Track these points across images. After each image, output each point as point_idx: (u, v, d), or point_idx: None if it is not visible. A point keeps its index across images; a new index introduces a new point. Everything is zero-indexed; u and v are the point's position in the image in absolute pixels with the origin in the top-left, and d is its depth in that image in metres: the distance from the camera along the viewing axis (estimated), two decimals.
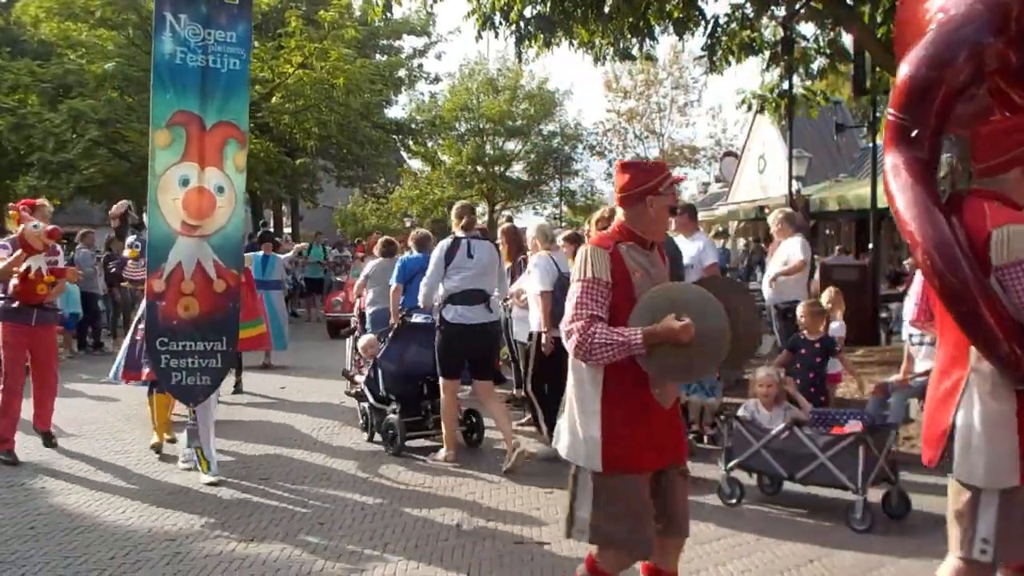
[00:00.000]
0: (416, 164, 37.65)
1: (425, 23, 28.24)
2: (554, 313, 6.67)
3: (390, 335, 7.49)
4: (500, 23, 10.19)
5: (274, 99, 21.85)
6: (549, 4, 9.98)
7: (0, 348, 6.80)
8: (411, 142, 30.11)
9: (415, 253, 7.99)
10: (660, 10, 10.26)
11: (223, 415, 7.98)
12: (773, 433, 5.39)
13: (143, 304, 7.02)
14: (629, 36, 10.65)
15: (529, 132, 37.57)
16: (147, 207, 6.02)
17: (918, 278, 3.61)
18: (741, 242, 29.90)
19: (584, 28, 10.43)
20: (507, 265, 8.49)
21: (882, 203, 14.08)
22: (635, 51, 11.22)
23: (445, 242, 6.79)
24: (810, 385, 6.56)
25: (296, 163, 24.39)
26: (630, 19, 10.08)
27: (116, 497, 5.79)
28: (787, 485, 5.67)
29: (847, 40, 11.32)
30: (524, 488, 6.02)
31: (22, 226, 6.63)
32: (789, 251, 7.92)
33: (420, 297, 6.84)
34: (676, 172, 3.38)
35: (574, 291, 3.11)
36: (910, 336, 6.82)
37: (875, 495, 5.32)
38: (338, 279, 19.30)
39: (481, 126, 36.94)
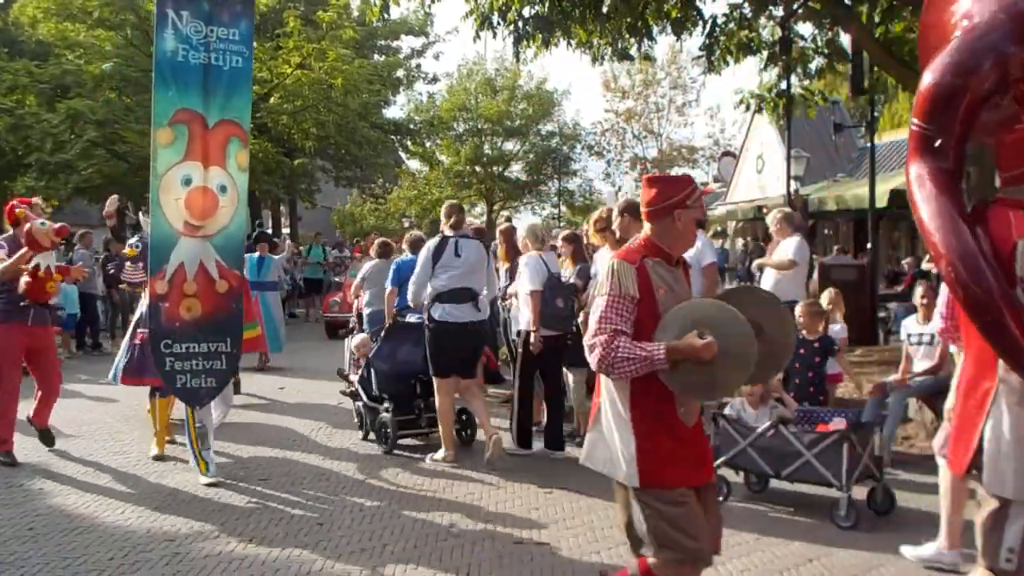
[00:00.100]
0: (414, 164, 37.67)
1: (423, 23, 28.24)
2: (543, 313, 6.73)
3: (382, 335, 7.55)
4: (498, 23, 10.17)
5: (272, 99, 21.83)
6: (547, 4, 9.97)
7: None
8: (409, 142, 30.09)
9: (409, 255, 8.01)
10: (658, 10, 10.26)
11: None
12: (759, 431, 5.43)
13: (142, 305, 7.03)
14: (627, 36, 10.64)
15: (527, 132, 37.54)
16: (145, 207, 6.00)
17: (944, 289, 3.61)
18: (740, 242, 29.92)
19: (582, 28, 10.42)
20: (505, 266, 8.52)
21: (880, 203, 14.13)
22: (633, 51, 11.22)
23: (433, 241, 6.86)
24: (809, 385, 6.57)
25: (294, 163, 24.38)
26: (628, 19, 10.07)
27: (115, 498, 5.79)
28: (773, 483, 5.72)
29: (845, 40, 11.32)
30: (523, 488, 6.02)
31: (28, 224, 6.62)
32: (785, 251, 7.91)
33: (409, 296, 6.90)
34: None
35: (599, 305, 3.09)
36: (908, 336, 6.84)
37: (861, 492, 5.37)
38: (336, 279, 19.30)
39: (479, 126, 36.91)
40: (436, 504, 5.66)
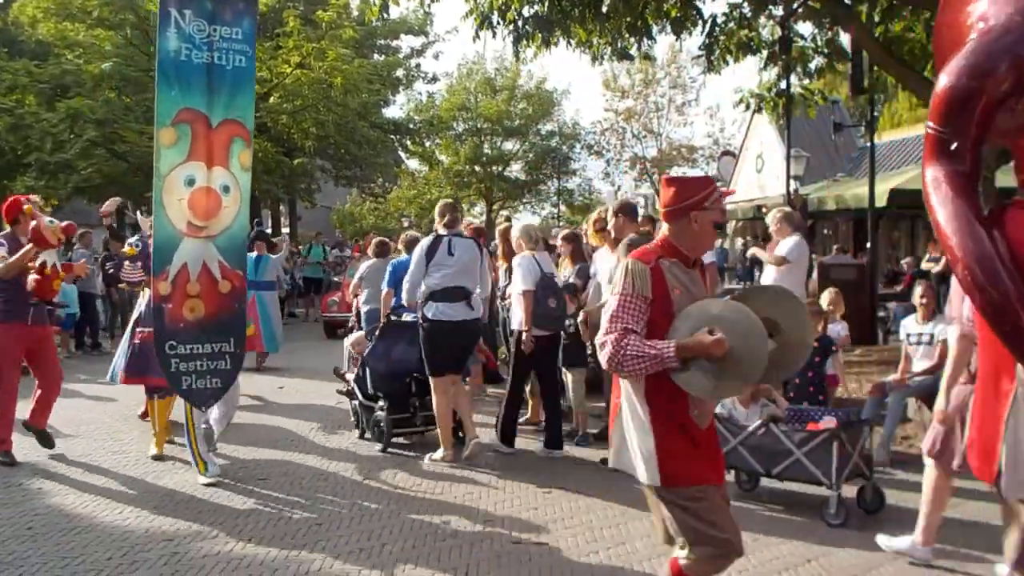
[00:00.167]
0: (414, 164, 37.68)
1: (423, 23, 28.26)
2: (535, 313, 6.75)
3: (376, 334, 7.58)
4: (498, 23, 10.18)
5: (272, 99, 21.84)
6: (547, 4, 9.96)
7: None
8: (409, 142, 30.09)
9: (405, 256, 8.02)
10: (658, 9, 10.26)
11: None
12: (750, 430, 5.45)
13: (140, 304, 7.02)
14: (627, 36, 10.65)
15: (527, 132, 37.57)
16: (145, 206, 5.98)
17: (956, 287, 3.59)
18: (739, 241, 29.94)
19: (582, 28, 10.42)
20: (505, 265, 8.52)
21: (880, 202, 14.13)
22: (633, 51, 11.22)
23: (426, 240, 6.90)
24: (809, 384, 6.57)
25: (294, 163, 24.39)
26: (628, 18, 10.07)
27: (113, 498, 5.79)
28: (764, 481, 5.74)
29: (845, 39, 11.33)
30: (522, 488, 6.02)
31: (35, 221, 6.61)
32: (781, 249, 7.90)
33: (403, 294, 6.92)
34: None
35: (612, 304, 3.09)
36: (907, 336, 6.84)
37: (852, 491, 5.40)
38: (335, 279, 19.30)
39: (479, 126, 36.94)
40: (435, 504, 5.66)
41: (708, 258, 7.58)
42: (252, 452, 7.07)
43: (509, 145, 38.31)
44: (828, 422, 5.34)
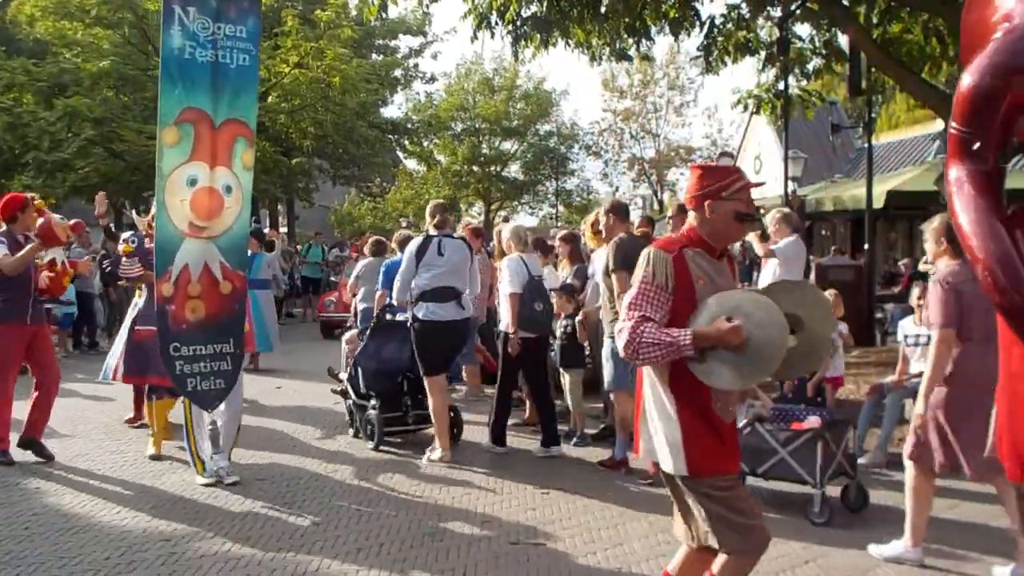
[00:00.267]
0: (412, 164, 37.66)
1: (421, 23, 28.25)
2: (521, 315, 6.78)
3: (367, 333, 7.63)
4: (496, 23, 10.18)
5: (270, 98, 21.83)
6: (545, 4, 9.97)
7: None
8: (407, 142, 30.08)
9: (399, 255, 8.03)
10: (656, 10, 10.27)
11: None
12: None
13: (138, 303, 7.01)
14: (625, 36, 10.66)
15: (525, 132, 37.57)
16: (143, 205, 5.94)
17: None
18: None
19: (580, 28, 10.43)
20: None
21: (877, 203, 14.15)
22: (632, 51, 11.23)
23: (416, 240, 6.95)
24: (807, 385, 6.57)
25: (292, 162, 24.37)
26: (626, 19, 10.08)
27: (111, 497, 5.78)
28: (749, 480, 5.73)
29: (843, 41, 11.34)
30: (520, 488, 6.02)
31: (43, 218, 6.59)
32: (783, 250, 7.91)
33: (394, 293, 6.98)
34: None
35: (631, 292, 3.08)
36: (905, 337, 6.84)
37: (836, 490, 5.45)
38: (333, 279, 19.28)
39: (477, 126, 36.93)
40: (432, 505, 5.66)
41: None
42: (250, 453, 7.06)
43: (507, 145, 38.31)
44: (812, 422, 5.37)
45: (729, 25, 10.93)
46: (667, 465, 3.12)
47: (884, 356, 10.24)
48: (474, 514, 5.46)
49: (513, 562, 4.62)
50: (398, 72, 28.55)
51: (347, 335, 8.42)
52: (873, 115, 15.81)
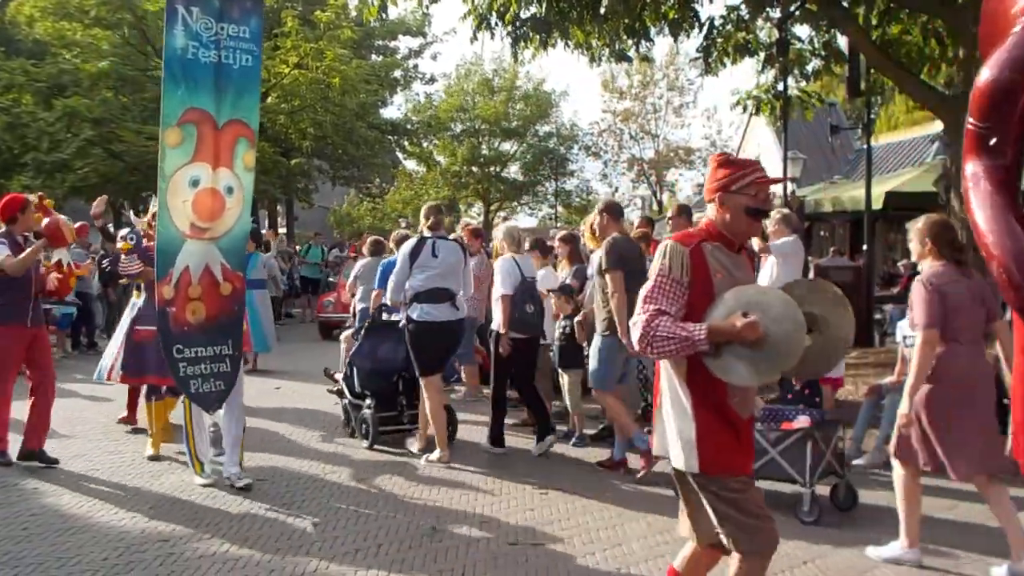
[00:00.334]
0: (411, 165, 37.67)
1: (421, 24, 28.29)
2: (512, 316, 6.83)
3: (362, 333, 7.67)
4: (496, 24, 10.19)
5: (270, 99, 21.84)
6: (544, 5, 9.97)
7: None
8: (406, 142, 30.10)
9: (397, 254, 8.05)
10: (655, 11, 10.28)
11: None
12: None
13: (137, 303, 7.00)
14: (625, 37, 10.66)
15: (525, 133, 37.58)
16: (142, 205, 5.92)
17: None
18: None
19: (580, 29, 10.44)
20: None
21: (876, 204, 14.15)
22: (631, 52, 11.24)
23: (411, 241, 6.98)
24: (805, 387, 6.56)
25: (291, 163, 24.38)
26: (626, 20, 10.08)
27: (109, 498, 5.78)
28: None
29: (842, 42, 11.35)
30: (519, 489, 6.02)
31: (47, 218, 6.57)
32: (780, 247, 7.93)
33: (387, 294, 7.03)
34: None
35: (648, 285, 3.04)
36: (904, 338, 6.83)
37: (825, 489, 5.48)
38: (331, 279, 19.29)
39: (477, 127, 36.94)
40: (431, 505, 5.66)
41: None
42: (248, 453, 7.01)
43: (507, 146, 38.33)
44: (802, 422, 5.38)
45: (728, 26, 10.95)
46: (678, 461, 3.07)
47: (883, 357, 10.25)
48: (473, 515, 5.46)
49: (512, 563, 4.62)
50: (398, 73, 28.58)
51: (344, 334, 8.46)
52: (872, 116, 15.81)
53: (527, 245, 8.27)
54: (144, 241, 6.63)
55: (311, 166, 26.88)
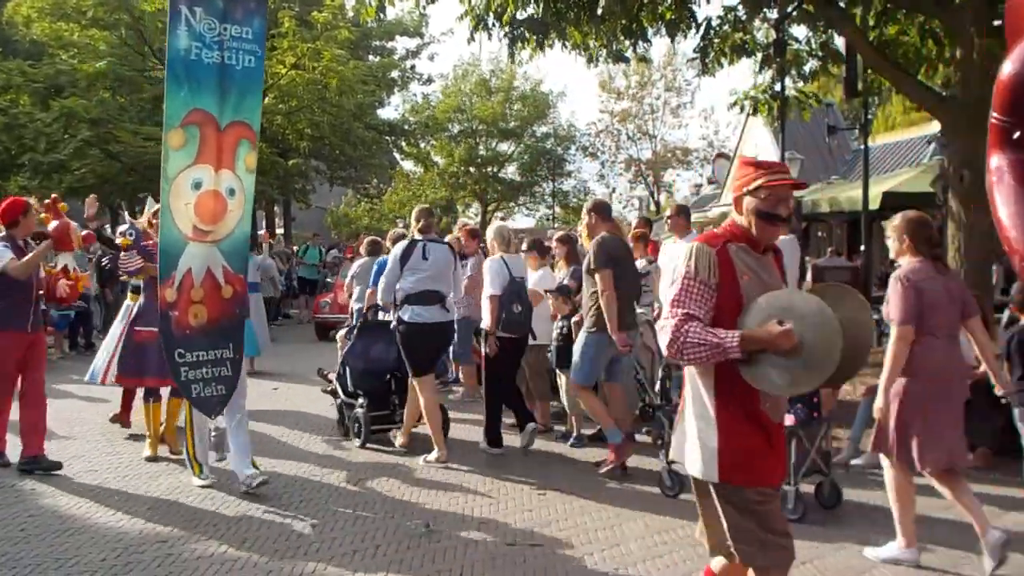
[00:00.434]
0: (408, 165, 37.66)
1: (418, 24, 28.28)
2: (499, 317, 6.91)
3: (354, 333, 7.72)
4: (493, 25, 10.19)
5: (267, 100, 21.80)
6: (542, 6, 9.97)
7: None
8: (404, 143, 30.10)
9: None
10: (652, 12, 10.29)
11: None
12: None
13: (130, 305, 6.99)
14: (622, 38, 10.67)
15: (522, 133, 37.61)
16: (140, 206, 5.90)
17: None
18: None
19: (577, 30, 10.44)
20: None
21: (873, 205, 14.17)
22: (628, 53, 11.24)
23: (402, 243, 7.04)
24: None
25: (289, 164, 24.35)
26: (623, 21, 10.09)
27: (107, 499, 5.77)
28: None
29: (839, 42, 11.36)
30: (517, 489, 6.03)
31: (55, 221, 6.54)
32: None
33: (378, 294, 7.10)
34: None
35: (675, 288, 2.96)
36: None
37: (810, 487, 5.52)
38: (328, 280, 19.28)
39: (474, 127, 36.95)
40: (429, 505, 5.66)
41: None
42: None
43: (504, 147, 38.36)
44: (786, 420, 5.38)
45: (726, 27, 10.95)
46: (695, 469, 3.02)
47: (880, 357, 10.21)
48: (470, 515, 5.46)
49: (510, 563, 4.62)
50: (395, 73, 28.54)
51: (340, 333, 8.49)
52: (869, 117, 15.82)
53: (525, 246, 8.31)
54: (144, 237, 6.63)
55: (308, 167, 26.86)
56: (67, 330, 13.37)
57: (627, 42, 10.80)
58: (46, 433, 6.67)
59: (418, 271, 6.77)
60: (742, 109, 13.20)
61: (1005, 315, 8.15)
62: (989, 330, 6.96)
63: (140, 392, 7.14)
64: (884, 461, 4.67)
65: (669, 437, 5.71)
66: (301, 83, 21.50)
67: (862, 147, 15.29)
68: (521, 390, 8.00)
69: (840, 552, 4.75)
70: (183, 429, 6.36)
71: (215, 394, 5.74)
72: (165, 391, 6.96)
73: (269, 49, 21.15)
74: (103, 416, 8.46)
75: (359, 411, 7.35)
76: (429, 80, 31.67)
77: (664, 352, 2.95)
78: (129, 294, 7.18)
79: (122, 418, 7.83)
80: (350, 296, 9.82)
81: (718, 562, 3.19)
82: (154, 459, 6.77)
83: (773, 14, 10.86)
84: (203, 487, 5.99)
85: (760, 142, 28.33)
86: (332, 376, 8.00)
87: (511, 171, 39.22)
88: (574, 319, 7.20)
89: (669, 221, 8.90)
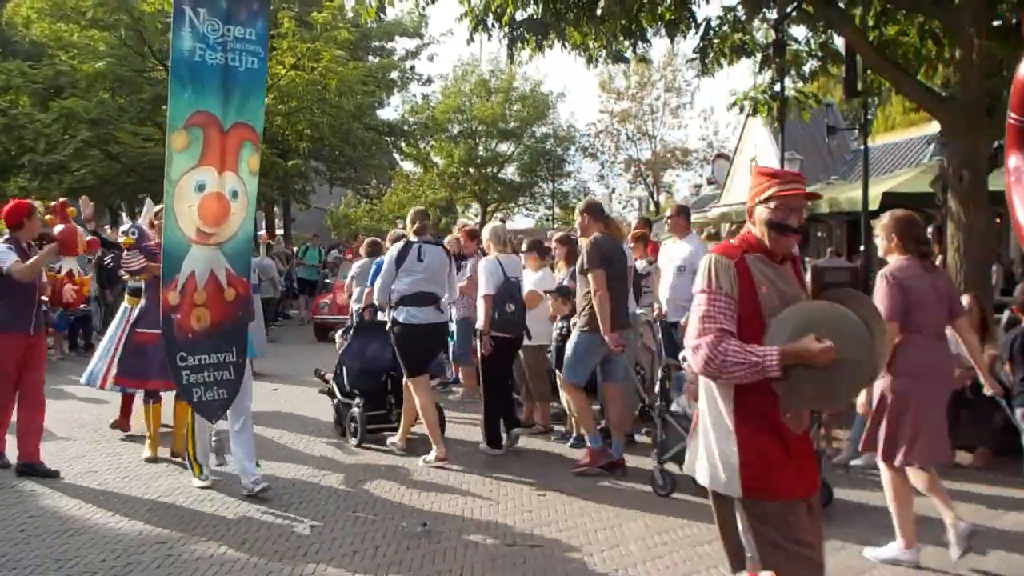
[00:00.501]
0: (408, 166, 37.69)
1: (417, 25, 28.29)
2: (492, 316, 6.99)
3: (351, 333, 7.76)
4: (493, 25, 10.18)
5: (266, 100, 21.81)
6: (541, 6, 9.97)
7: None
8: (403, 144, 30.12)
9: None
10: (652, 12, 10.28)
11: None
12: None
13: (131, 308, 6.97)
14: (622, 38, 10.66)
15: (522, 134, 37.62)
16: (137, 208, 5.89)
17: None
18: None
19: (577, 30, 10.43)
20: None
21: (873, 205, 14.17)
22: (628, 54, 11.24)
23: (397, 245, 7.08)
24: None
25: (288, 165, 24.35)
26: (622, 21, 10.08)
27: (107, 500, 5.77)
28: None
29: (839, 43, 11.35)
30: (516, 490, 6.02)
31: (61, 225, 6.54)
32: None
33: (374, 295, 7.17)
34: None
35: (699, 302, 2.90)
36: None
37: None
38: (328, 281, 19.27)
39: (474, 128, 36.96)
40: (428, 506, 5.66)
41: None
42: None
43: (504, 147, 38.38)
44: None
45: (725, 27, 10.94)
46: (716, 483, 2.96)
47: None
48: (470, 516, 5.46)
49: (509, 564, 4.62)
50: (394, 74, 28.55)
51: (338, 334, 8.53)
52: (869, 117, 15.80)
53: (525, 246, 8.31)
54: (146, 235, 6.63)
55: (308, 167, 26.86)
56: (67, 331, 13.37)
57: (627, 42, 10.79)
58: (42, 434, 6.64)
59: (413, 272, 6.81)
60: (742, 109, 13.19)
61: (1005, 315, 8.15)
62: (989, 330, 6.98)
63: (140, 394, 7.14)
64: (880, 462, 4.68)
65: (661, 437, 5.76)
66: (301, 84, 21.51)
67: (862, 147, 15.28)
68: (520, 391, 8.04)
69: (840, 552, 4.74)
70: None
71: (217, 398, 5.70)
72: (164, 391, 6.95)
73: (269, 50, 21.19)
74: (103, 417, 8.46)
75: (356, 411, 7.39)
76: (429, 81, 31.74)
77: (698, 370, 2.89)
78: (127, 297, 7.15)
79: (122, 424, 7.81)
80: (350, 297, 9.83)
81: None
82: (154, 460, 6.77)
83: (772, 14, 10.86)
84: (203, 488, 5.98)
85: (759, 142, 28.35)
86: (329, 376, 8.01)
87: (511, 172, 39.26)
88: (573, 320, 7.20)
89: (669, 221, 8.89)
